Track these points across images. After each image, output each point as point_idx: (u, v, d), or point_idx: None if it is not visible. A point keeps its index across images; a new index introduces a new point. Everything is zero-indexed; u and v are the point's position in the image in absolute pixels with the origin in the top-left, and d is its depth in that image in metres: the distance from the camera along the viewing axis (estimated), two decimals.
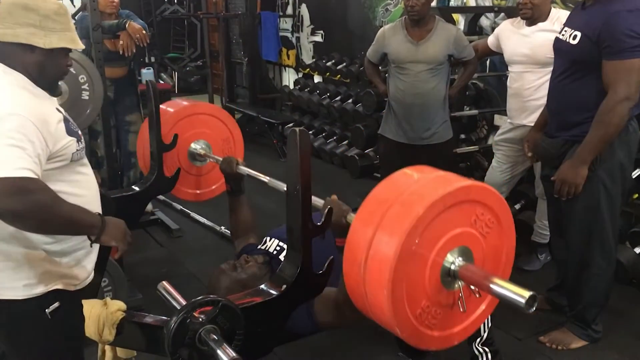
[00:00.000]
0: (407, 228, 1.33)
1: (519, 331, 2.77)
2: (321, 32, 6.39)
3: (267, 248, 2.22)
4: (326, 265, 1.80)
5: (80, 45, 1.64)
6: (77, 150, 1.61)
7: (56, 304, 1.58)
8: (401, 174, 1.56)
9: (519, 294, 1.33)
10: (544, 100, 2.68)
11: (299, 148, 1.64)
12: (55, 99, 1.66)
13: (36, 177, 1.41)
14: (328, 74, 5.96)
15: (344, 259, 1.50)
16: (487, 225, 1.49)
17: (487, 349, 2.33)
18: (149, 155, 2.78)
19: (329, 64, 5.93)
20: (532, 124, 2.88)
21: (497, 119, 4.24)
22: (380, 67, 3.67)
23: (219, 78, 7.97)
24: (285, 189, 1.89)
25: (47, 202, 1.44)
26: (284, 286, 1.76)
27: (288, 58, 7.00)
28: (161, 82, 8.63)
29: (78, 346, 1.74)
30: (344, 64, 5.76)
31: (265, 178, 2.29)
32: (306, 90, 6.25)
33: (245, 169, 2.41)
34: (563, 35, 2.42)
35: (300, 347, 2.36)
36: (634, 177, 3.13)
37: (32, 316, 1.58)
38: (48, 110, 1.55)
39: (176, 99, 2.95)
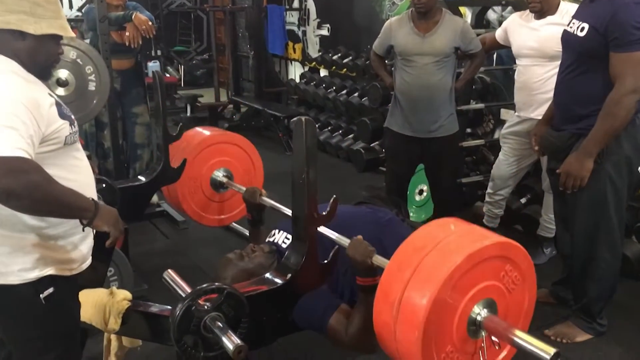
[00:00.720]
0: (444, 275, 1.40)
1: None
2: (327, 25, 6.38)
3: (275, 240, 2.22)
4: (331, 254, 1.80)
5: (70, 33, 1.65)
6: (71, 133, 1.62)
7: (50, 290, 1.58)
8: (436, 224, 1.62)
9: (544, 350, 1.38)
10: (552, 94, 2.66)
11: (305, 137, 1.64)
12: (45, 84, 1.66)
13: (29, 157, 1.43)
14: (334, 67, 5.95)
15: (376, 298, 1.54)
16: (514, 282, 1.57)
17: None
18: None
19: (335, 57, 5.92)
20: (540, 117, 2.87)
21: (504, 113, 4.21)
22: (386, 61, 3.66)
23: (225, 71, 7.99)
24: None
25: (41, 182, 1.44)
26: (289, 275, 1.77)
27: (294, 51, 6.99)
28: (167, 75, 8.63)
29: (73, 332, 1.74)
30: (350, 57, 5.75)
31: (288, 211, 2.28)
32: (312, 83, 6.24)
33: (268, 200, 2.43)
34: (571, 27, 2.41)
35: (302, 338, 2.35)
36: None
37: (26, 301, 1.59)
38: (39, 94, 1.55)
39: (198, 127, 2.99)
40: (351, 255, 1.75)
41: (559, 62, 2.60)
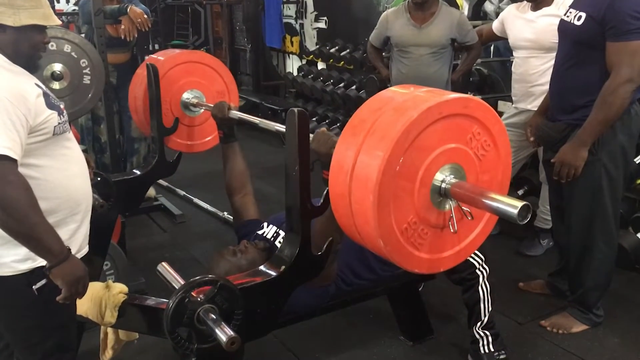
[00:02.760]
0: (398, 132, 1.28)
1: (520, 315, 2.77)
2: (325, 18, 6.35)
3: (264, 234, 2.22)
4: (325, 246, 1.80)
5: (56, 21, 1.63)
6: (59, 123, 1.61)
7: (43, 281, 1.56)
8: (398, 86, 1.50)
9: (512, 205, 1.28)
10: (548, 86, 2.66)
11: (297, 129, 1.63)
12: (32, 76, 1.64)
13: (16, 158, 1.42)
14: (332, 60, 5.93)
15: (331, 170, 1.44)
16: (483, 148, 1.43)
17: (487, 333, 2.33)
18: (141, 110, 2.76)
19: (332, 50, 5.90)
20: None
21: (501, 105, 4.20)
22: (383, 53, 3.66)
23: None
24: (276, 129, 1.92)
25: (22, 202, 1.40)
26: (283, 267, 1.77)
27: (292, 45, 6.97)
28: None
29: (68, 323, 1.74)
30: (348, 50, 5.73)
31: (256, 119, 2.28)
32: (310, 77, 6.22)
33: (237, 113, 2.38)
34: (568, 16, 2.40)
35: (301, 331, 2.37)
36: (636, 162, 3.10)
37: (19, 292, 1.58)
38: (25, 85, 1.54)
39: (169, 49, 2.92)
40: (315, 147, 1.70)
41: (555, 54, 2.59)
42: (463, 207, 1.43)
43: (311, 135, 1.73)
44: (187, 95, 2.76)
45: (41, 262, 1.56)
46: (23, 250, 1.54)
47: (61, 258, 1.49)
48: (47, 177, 1.58)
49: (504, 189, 1.54)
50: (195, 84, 2.77)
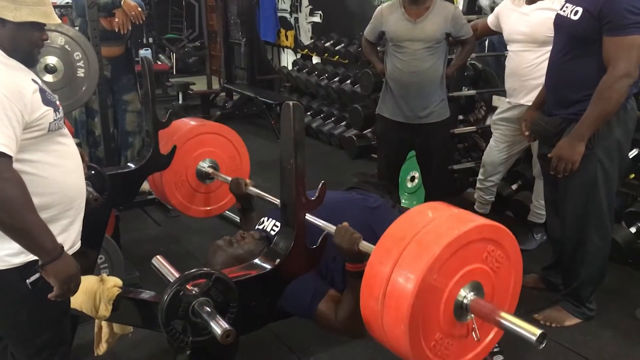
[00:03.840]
0: (424, 267, 1.39)
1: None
2: (320, 12, 6.34)
3: (264, 227, 2.22)
4: (320, 240, 1.80)
5: (56, 19, 1.63)
6: (55, 120, 1.60)
7: (37, 275, 1.54)
8: (415, 212, 1.62)
9: (529, 331, 1.38)
10: (542, 80, 2.66)
11: (292, 121, 1.63)
12: (30, 71, 1.63)
13: (12, 154, 1.41)
14: (326, 54, 5.93)
15: (362, 292, 1.54)
16: (497, 261, 1.55)
17: None
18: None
19: (327, 44, 5.90)
20: (530, 104, 2.87)
21: (496, 100, 4.21)
22: (378, 48, 3.65)
23: (217, 59, 7.94)
24: None
25: (17, 200, 1.40)
26: (278, 260, 1.77)
27: (286, 39, 6.96)
28: (159, 63, 8.58)
29: (62, 318, 1.73)
30: (343, 44, 5.73)
31: (276, 200, 2.27)
32: (304, 71, 6.22)
33: (254, 190, 2.42)
34: (564, 11, 2.40)
35: (296, 325, 2.36)
36: (631, 157, 3.12)
37: (13, 286, 1.58)
38: (22, 81, 1.54)
39: (184, 119, 2.97)
40: (338, 242, 1.75)
41: (549, 48, 2.59)
42: None
43: (333, 228, 1.80)
44: (202, 165, 2.81)
45: (32, 257, 1.55)
46: (16, 245, 1.52)
47: (54, 256, 1.48)
48: (41, 172, 1.58)
49: (515, 295, 1.67)
50: (209, 153, 2.83)
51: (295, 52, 6.85)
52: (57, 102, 1.66)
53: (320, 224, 1.90)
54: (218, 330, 1.48)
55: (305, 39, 6.60)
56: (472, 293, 1.49)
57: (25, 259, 1.56)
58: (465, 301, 1.48)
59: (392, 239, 1.52)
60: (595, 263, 2.58)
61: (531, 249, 3.41)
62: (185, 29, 9.45)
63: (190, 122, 2.92)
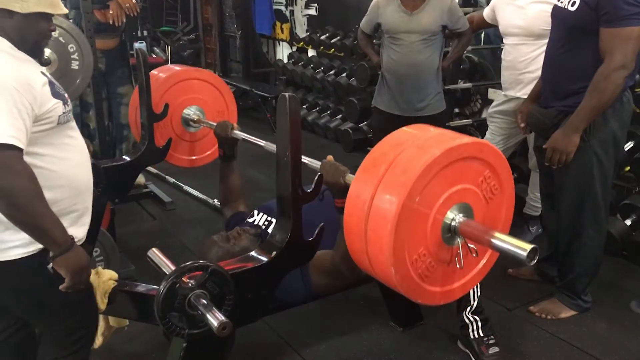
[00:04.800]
0: (421, 168, 1.34)
1: (509, 301, 2.80)
2: (315, 5, 6.31)
3: (255, 222, 2.22)
4: (316, 232, 1.80)
5: (63, 10, 1.63)
6: (64, 112, 1.60)
7: None
8: (417, 127, 1.56)
9: (521, 247, 1.34)
10: (538, 73, 2.66)
11: (288, 113, 1.63)
12: (37, 64, 1.64)
13: (22, 147, 1.42)
14: (322, 47, 5.90)
15: (348, 197, 1.47)
16: (492, 191, 1.51)
17: (477, 317, 2.35)
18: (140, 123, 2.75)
19: (323, 37, 5.87)
20: (526, 96, 2.86)
21: (491, 93, 4.21)
22: (374, 40, 3.64)
23: (212, 52, 7.90)
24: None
25: (27, 191, 1.41)
26: (274, 252, 1.77)
27: (282, 32, 6.92)
28: (154, 55, 8.53)
29: (88, 299, 1.72)
30: (338, 37, 5.70)
31: (260, 142, 2.28)
32: (300, 64, 6.20)
33: (240, 133, 2.39)
34: (562, 2, 2.40)
35: (292, 317, 2.37)
36: (626, 149, 3.13)
37: (36, 273, 1.58)
38: (32, 74, 1.54)
39: (169, 65, 2.90)
40: (324, 178, 1.73)
41: (545, 41, 2.59)
42: (469, 245, 1.49)
43: (318, 163, 1.78)
44: (187, 112, 2.75)
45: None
46: (27, 238, 1.53)
47: (65, 248, 1.50)
48: (50, 166, 1.58)
49: (506, 228, 1.62)
50: (196, 100, 2.76)
51: (291, 45, 6.83)
52: (66, 95, 1.66)
53: (307, 162, 1.87)
54: (214, 323, 1.48)
55: (301, 31, 6.57)
56: (461, 215, 1.44)
57: (38, 245, 1.56)
58: (454, 223, 1.43)
59: (389, 144, 1.48)
60: (590, 255, 2.59)
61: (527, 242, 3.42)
62: (180, 21, 9.37)
63: (175, 67, 2.87)
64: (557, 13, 2.44)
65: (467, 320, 2.35)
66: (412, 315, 2.61)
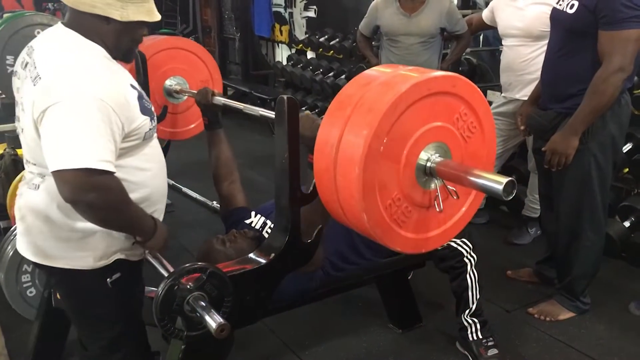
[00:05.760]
0: (387, 105, 1.27)
1: (508, 303, 2.80)
2: (314, 7, 6.32)
3: (252, 224, 2.21)
4: (315, 234, 1.80)
5: (157, 17, 1.62)
6: (150, 129, 1.62)
7: (117, 274, 1.65)
8: (386, 66, 1.54)
9: (497, 181, 1.27)
10: (537, 74, 2.66)
11: (286, 116, 1.63)
12: (128, 72, 1.64)
13: (114, 170, 1.45)
14: (321, 49, 5.91)
15: (317, 143, 1.42)
16: (469, 130, 1.43)
17: (475, 320, 2.35)
18: None
19: (322, 39, 5.88)
20: (526, 98, 2.87)
21: (490, 95, 4.21)
22: (373, 42, 3.65)
23: (212, 54, 7.89)
24: (260, 114, 1.98)
25: (120, 203, 1.50)
26: (273, 254, 1.76)
27: (281, 34, 6.93)
28: None
29: (134, 315, 1.79)
30: (337, 39, 5.71)
31: (240, 105, 2.26)
32: (299, 66, 6.19)
33: (221, 99, 2.35)
34: (560, 4, 2.40)
35: (290, 319, 2.37)
36: (624, 151, 3.13)
37: (95, 285, 1.64)
38: (126, 89, 1.54)
39: (154, 35, 2.83)
40: (300, 132, 1.68)
41: (544, 43, 2.59)
42: (449, 187, 1.42)
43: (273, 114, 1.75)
44: (170, 82, 2.69)
45: (117, 255, 1.64)
46: (101, 245, 1.60)
47: (152, 232, 1.63)
48: (130, 177, 1.60)
49: (488, 169, 1.53)
50: (179, 70, 2.70)
51: (290, 47, 6.83)
52: (153, 110, 1.66)
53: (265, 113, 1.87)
54: (213, 325, 1.48)
55: (300, 33, 6.58)
56: (437, 155, 1.38)
57: (106, 262, 1.63)
58: (429, 164, 1.37)
59: (356, 84, 1.41)
60: (589, 257, 2.59)
61: (526, 243, 3.43)
62: (179, 23, 9.38)
63: (158, 36, 2.80)
64: (556, 16, 2.45)
65: (466, 323, 2.35)
66: (411, 317, 2.61)
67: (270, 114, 1.90)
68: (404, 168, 1.35)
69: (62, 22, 1.59)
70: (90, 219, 1.50)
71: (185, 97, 2.72)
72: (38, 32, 2.76)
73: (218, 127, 2.42)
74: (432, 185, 1.42)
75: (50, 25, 2.78)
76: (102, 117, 1.43)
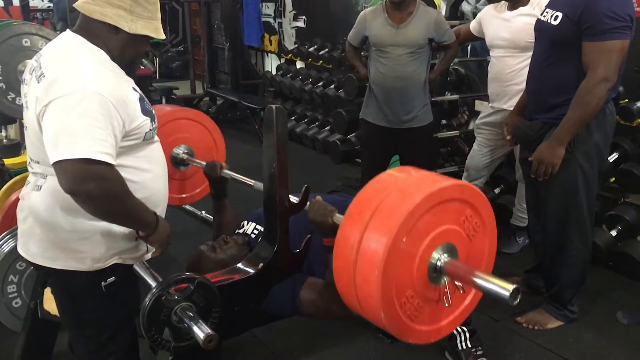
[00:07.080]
0: (404, 214, 1.36)
1: (496, 312, 2.80)
2: (303, 17, 6.35)
3: (244, 231, 2.21)
4: (303, 243, 1.80)
5: (163, 36, 1.67)
6: (150, 130, 1.65)
7: (112, 278, 1.65)
8: (398, 170, 1.60)
9: (503, 287, 1.35)
10: (524, 85, 2.68)
11: (275, 125, 1.63)
12: (130, 78, 1.67)
13: (113, 162, 1.48)
14: (310, 59, 5.94)
15: (336, 243, 1.50)
16: (474, 229, 1.53)
17: (464, 329, 2.36)
18: None
19: (311, 49, 5.91)
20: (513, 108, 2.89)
21: (478, 105, 4.25)
22: (362, 52, 3.67)
23: (201, 64, 7.92)
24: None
25: (120, 194, 1.51)
26: (261, 264, 1.76)
27: (270, 44, 6.96)
28: (142, 67, 8.53)
29: (127, 319, 1.78)
30: (326, 49, 5.74)
31: (250, 181, 2.27)
32: (288, 75, 6.22)
33: (229, 173, 2.40)
34: (544, 16, 2.43)
35: (279, 330, 2.36)
36: (611, 160, 3.16)
37: (88, 287, 1.65)
38: (127, 90, 1.58)
39: (161, 104, 2.90)
40: (311, 217, 1.72)
41: (531, 54, 2.62)
42: (456, 282, 1.51)
43: (307, 204, 1.79)
44: (177, 151, 2.75)
45: (114, 259, 1.66)
46: (99, 247, 1.62)
47: (154, 226, 1.64)
48: (132, 177, 1.62)
49: (489, 265, 1.63)
50: (185, 139, 2.78)
51: (279, 57, 6.86)
52: (153, 112, 1.70)
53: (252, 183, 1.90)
54: (200, 335, 1.47)
55: (289, 43, 6.61)
56: (446, 255, 1.46)
57: (103, 265, 1.64)
58: (439, 263, 1.45)
59: (373, 190, 1.49)
60: (576, 266, 2.61)
61: (514, 252, 3.44)
62: (168, 33, 9.40)
63: (165, 107, 2.86)
64: (540, 27, 2.47)
65: (455, 332, 2.35)
66: None
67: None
68: (417, 268, 1.44)
69: (70, 29, 1.64)
70: (90, 211, 1.51)
71: (191, 165, 2.78)
72: (26, 42, 2.75)
73: (224, 198, 2.45)
74: (441, 281, 1.50)
75: (39, 35, 2.82)
76: (102, 112, 1.47)
